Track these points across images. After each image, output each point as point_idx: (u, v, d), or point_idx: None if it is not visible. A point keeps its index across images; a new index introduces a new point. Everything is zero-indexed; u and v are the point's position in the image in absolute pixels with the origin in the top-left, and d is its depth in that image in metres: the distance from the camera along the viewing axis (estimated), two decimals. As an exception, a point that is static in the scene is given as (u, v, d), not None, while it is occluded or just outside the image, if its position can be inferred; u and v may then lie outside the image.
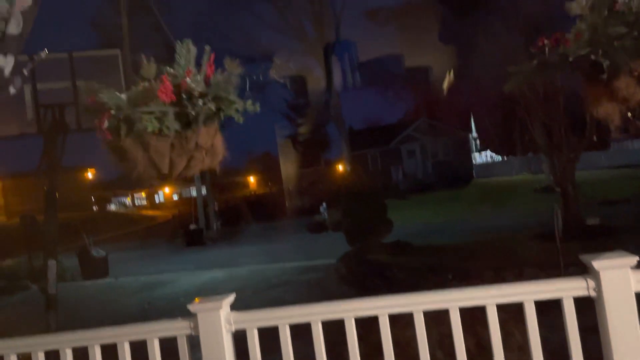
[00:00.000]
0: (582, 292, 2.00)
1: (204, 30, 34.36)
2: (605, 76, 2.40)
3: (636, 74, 2.33)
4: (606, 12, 2.40)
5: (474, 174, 33.98)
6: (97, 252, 13.77)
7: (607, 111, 2.53)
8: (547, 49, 2.52)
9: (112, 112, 2.26)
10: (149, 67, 2.32)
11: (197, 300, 2.24)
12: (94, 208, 43.81)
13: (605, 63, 2.37)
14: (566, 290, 2.02)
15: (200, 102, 2.30)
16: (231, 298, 2.27)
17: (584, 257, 2.03)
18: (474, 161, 36.04)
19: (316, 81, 35.46)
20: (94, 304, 10.46)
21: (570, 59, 2.43)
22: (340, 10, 36.17)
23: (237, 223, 25.10)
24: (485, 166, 35.84)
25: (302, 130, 33.76)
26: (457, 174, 31.23)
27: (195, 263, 14.89)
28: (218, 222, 22.92)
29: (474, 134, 36.18)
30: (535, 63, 2.55)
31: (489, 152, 36.93)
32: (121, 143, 2.29)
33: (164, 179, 2.52)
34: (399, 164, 33.87)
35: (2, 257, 15.28)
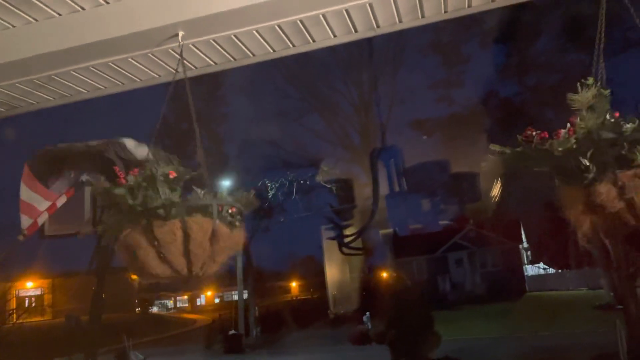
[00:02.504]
0: None
1: (256, 139, 36.15)
2: (590, 177, 2.36)
3: (620, 183, 2.26)
4: (604, 117, 2.44)
5: (526, 287, 32.35)
6: (136, 356, 13.52)
7: (578, 217, 2.43)
8: (534, 139, 2.52)
9: None
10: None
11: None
12: (137, 310, 43.84)
13: (592, 166, 2.35)
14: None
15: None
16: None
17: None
18: (525, 273, 34.48)
19: (362, 186, 35.92)
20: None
21: (560, 149, 2.42)
22: (385, 121, 37.47)
23: (277, 330, 24.39)
24: (538, 279, 34.17)
25: (347, 235, 33.63)
26: (508, 286, 29.82)
27: (232, 372, 14.35)
28: (258, 329, 22.37)
29: (525, 244, 35.02)
30: (519, 150, 2.55)
31: (541, 264, 35.42)
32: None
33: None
34: (446, 273, 32.80)
35: (44, 357, 15.21)
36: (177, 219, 2.54)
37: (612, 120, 2.44)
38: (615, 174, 2.30)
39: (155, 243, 2.52)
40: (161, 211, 2.56)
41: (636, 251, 11.67)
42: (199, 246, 2.56)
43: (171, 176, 2.62)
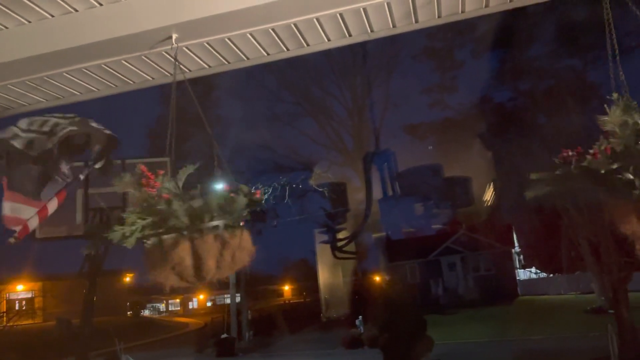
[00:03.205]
0: None
1: (249, 142, 36.12)
2: (638, 193, 2.36)
3: None
4: (637, 129, 2.43)
5: (519, 291, 32.48)
6: (127, 359, 13.47)
7: (635, 230, 2.46)
8: (573, 160, 2.51)
9: None
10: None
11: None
12: (128, 313, 43.62)
13: (638, 181, 2.34)
14: None
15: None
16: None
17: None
18: (518, 277, 34.61)
19: (355, 190, 35.99)
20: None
21: (603, 171, 2.41)
22: (379, 125, 37.60)
23: (270, 333, 24.33)
24: (530, 283, 34.29)
25: (340, 238, 33.65)
26: (500, 290, 29.92)
27: (225, 375, 14.28)
28: (250, 332, 22.29)
29: (517, 248, 35.16)
30: (558, 173, 2.54)
31: (533, 269, 35.55)
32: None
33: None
34: (438, 277, 32.87)
35: (34, 360, 15.11)
36: (238, 231, 2.75)
37: None
38: None
39: (222, 252, 2.68)
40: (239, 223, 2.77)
41: (625, 255, 11.72)
42: (241, 254, 2.75)
43: (257, 196, 2.82)
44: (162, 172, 2.74)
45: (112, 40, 3.45)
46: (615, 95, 2.53)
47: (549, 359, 11.88)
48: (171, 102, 3.25)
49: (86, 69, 3.84)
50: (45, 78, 3.89)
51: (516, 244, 35.05)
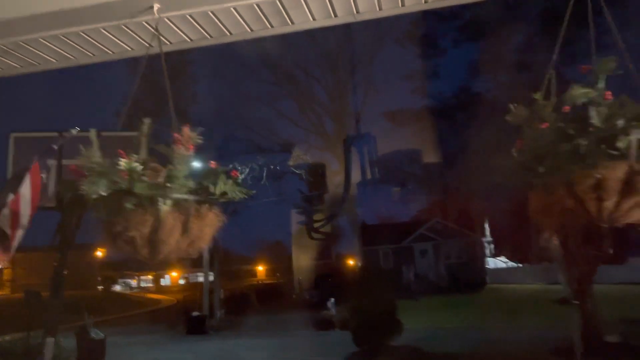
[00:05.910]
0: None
1: (227, 121, 35.79)
2: (540, 184, 2.53)
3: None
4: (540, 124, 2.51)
5: (487, 279, 33.18)
6: (96, 333, 13.33)
7: (544, 221, 2.59)
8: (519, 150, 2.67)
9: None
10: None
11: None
12: (99, 288, 43.28)
13: (541, 170, 2.47)
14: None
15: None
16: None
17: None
18: (487, 266, 35.33)
19: (333, 173, 36.09)
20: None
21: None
22: (359, 110, 37.63)
23: (242, 312, 24.41)
24: (499, 272, 35.05)
25: (316, 221, 33.78)
26: (470, 278, 30.51)
27: (193, 353, 14.30)
28: (222, 311, 22.32)
29: (489, 238, 35.82)
30: (511, 163, 2.68)
31: (503, 258, 36.30)
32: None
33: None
34: (411, 262, 33.34)
35: (1, 332, 14.86)
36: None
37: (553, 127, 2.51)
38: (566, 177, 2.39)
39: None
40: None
41: (592, 249, 12.02)
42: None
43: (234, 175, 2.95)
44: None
45: (91, 7, 3.35)
46: (537, 95, 2.61)
47: (514, 346, 12.18)
48: (164, 74, 3.20)
49: (63, 36, 3.73)
50: (21, 43, 3.77)
51: (487, 233, 35.71)
